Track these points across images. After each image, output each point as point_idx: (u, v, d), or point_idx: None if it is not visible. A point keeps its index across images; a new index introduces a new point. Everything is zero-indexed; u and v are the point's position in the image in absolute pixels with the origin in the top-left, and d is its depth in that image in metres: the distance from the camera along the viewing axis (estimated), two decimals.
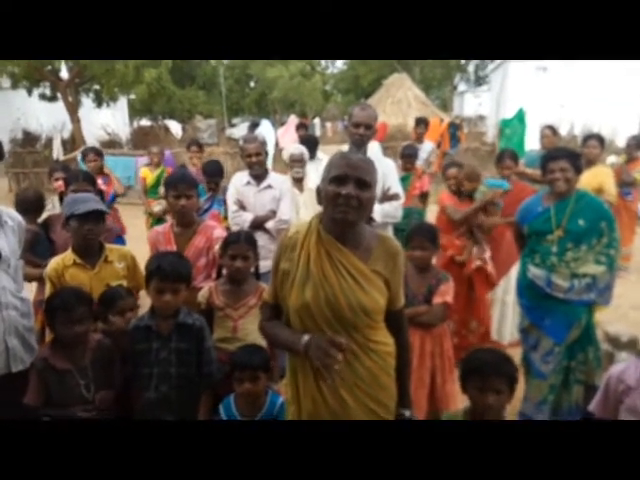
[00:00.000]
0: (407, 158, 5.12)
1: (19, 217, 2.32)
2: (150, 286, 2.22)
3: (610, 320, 4.45)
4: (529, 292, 3.04)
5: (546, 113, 10.06)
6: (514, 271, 3.98)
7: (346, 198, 1.56)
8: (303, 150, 4.33)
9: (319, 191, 1.69)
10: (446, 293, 2.68)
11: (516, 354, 3.17)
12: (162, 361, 2.20)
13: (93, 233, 2.48)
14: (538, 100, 10.46)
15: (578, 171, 2.90)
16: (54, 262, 2.55)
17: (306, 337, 1.59)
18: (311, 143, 4.89)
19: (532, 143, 8.69)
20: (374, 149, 5.55)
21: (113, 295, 2.38)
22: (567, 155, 2.91)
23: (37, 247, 3.41)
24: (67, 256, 2.55)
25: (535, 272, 2.96)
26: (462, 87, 26.53)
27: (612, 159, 8.72)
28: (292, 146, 4.68)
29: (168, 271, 2.18)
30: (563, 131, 11.03)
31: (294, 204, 3.83)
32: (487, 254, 3.78)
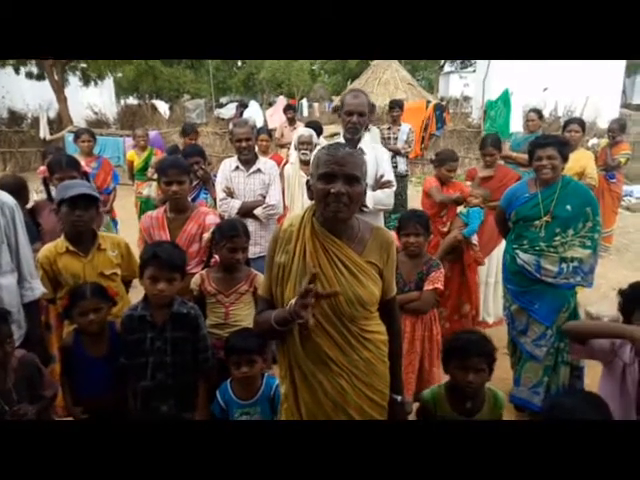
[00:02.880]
0: None
1: (4, 197, 2.21)
2: (145, 274, 2.20)
3: (592, 301, 4.63)
4: (517, 277, 3.10)
5: (530, 95, 10.12)
6: (494, 254, 4.15)
7: (336, 196, 1.56)
8: (312, 132, 4.37)
9: (309, 186, 1.69)
10: (437, 280, 2.72)
11: (500, 332, 3.31)
12: (157, 350, 2.21)
13: (82, 219, 2.44)
14: (523, 82, 10.51)
15: (565, 158, 2.96)
16: (46, 249, 2.52)
17: (293, 300, 1.56)
18: (315, 129, 4.91)
19: (517, 125, 8.80)
20: (374, 134, 5.60)
21: (76, 294, 2.29)
22: (554, 142, 2.96)
23: None
24: (59, 243, 2.52)
25: (524, 257, 3.02)
26: (448, 68, 26.37)
27: (594, 141, 8.86)
28: (301, 128, 4.75)
29: (163, 260, 2.17)
30: (546, 113, 11.13)
31: (301, 186, 3.85)
32: (476, 238, 3.88)
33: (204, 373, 2.34)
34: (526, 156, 3.31)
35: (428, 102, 12.10)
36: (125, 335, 2.26)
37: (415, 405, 2.78)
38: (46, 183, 3.49)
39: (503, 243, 3.85)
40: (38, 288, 2.32)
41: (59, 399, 2.42)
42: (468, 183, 4.48)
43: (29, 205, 3.49)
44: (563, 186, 2.98)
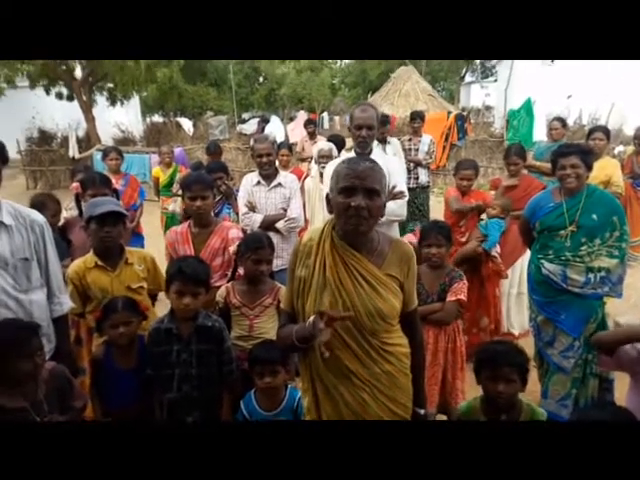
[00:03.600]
0: None
1: (34, 215, 2.26)
2: (171, 289, 2.26)
3: (621, 311, 4.51)
4: (543, 288, 3.06)
5: (553, 103, 10.01)
6: (518, 264, 4.10)
7: (356, 209, 1.56)
8: (332, 146, 4.44)
9: (328, 200, 1.70)
10: (460, 291, 2.69)
11: (526, 344, 3.25)
12: (183, 362, 2.26)
13: (111, 235, 2.52)
14: (545, 90, 10.43)
15: (589, 167, 2.92)
16: (75, 265, 2.61)
17: (312, 317, 1.59)
18: (338, 142, 4.97)
19: (540, 134, 8.70)
20: (394, 145, 5.61)
21: (108, 307, 2.36)
22: (578, 151, 2.92)
23: None
24: (88, 258, 2.60)
25: (550, 268, 2.98)
26: (469, 78, 26.23)
27: (620, 149, 8.69)
28: (321, 142, 4.82)
29: (189, 274, 2.23)
30: (570, 121, 10.97)
31: (321, 200, 3.88)
32: (497, 249, 3.83)
33: (228, 385, 2.37)
34: (550, 165, 3.27)
35: (449, 113, 12.08)
36: (152, 347, 2.32)
37: (439, 417, 2.77)
38: (78, 200, 3.59)
39: (527, 254, 3.81)
40: (67, 303, 2.38)
41: (88, 410, 2.49)
42: (492, 192, 4.45)
43: (60, 222, 3.61)
44: (588, 195, 2.94)
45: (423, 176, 6.16)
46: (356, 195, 1.58)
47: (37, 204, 3.42)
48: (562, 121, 5.66)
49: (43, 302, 2.25)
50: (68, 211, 3.95)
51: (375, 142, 5.65)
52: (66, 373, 2.13)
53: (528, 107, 10.21)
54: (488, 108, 13.79)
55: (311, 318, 1.58)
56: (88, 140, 12.84)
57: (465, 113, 12.47)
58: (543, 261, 3.05)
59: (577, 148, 3.02)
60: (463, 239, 3.92)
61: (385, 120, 5.90)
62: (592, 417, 1.57)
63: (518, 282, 4.14)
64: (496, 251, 3.82)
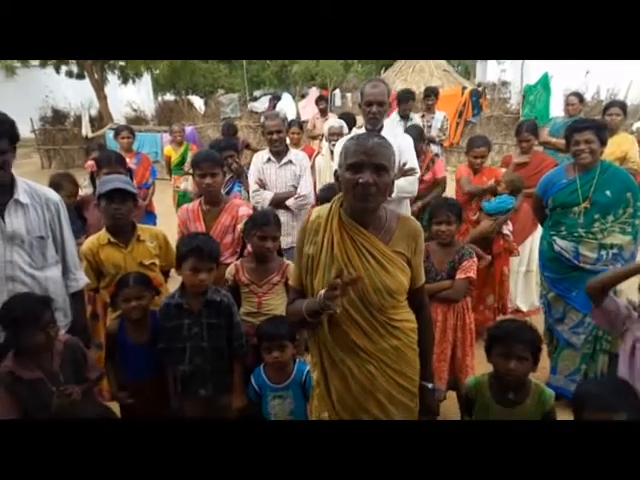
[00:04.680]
0: None
1: (49, 194, 2.30)
2: (185, 265, 2.29)
3: (633, 288, 4.47)
4: (554, 264, 3.05)
5: (571, 79, 9.75)
6: (528, 242, 4.07)
7: (364, 186, 1.55)
8: (342, 123, 4.39)
9: (337, 176, 1.70)
10: (470, 269, 2.69)
11: (535, 321, 3.26)
12: (194, 336, 2.31)
13: (120, 212, 2.56)
14: (563, 65, 10.13)
15: (603, 142, 2.88)
16: (89, 241, 2.66)
17: (322, 291, 1.60)
18: (349, 120, 4.91)
19: (557, 110, 8.52)
20: (415, 122, 5.48)
21: (121, 282, 2.42)
22: (592, 126, 2.88)
23: None
24: (101, 235, 2.65)
25: (562, 244, 2.97)
26: None
27: (638, 125, 8.48)
28: (332, 119, 4.78)
29: (205, 251, 2.28)
30: (588, 97, 10.70)
31: (332, 178, 3.85)
32: (510, 227, 3.81)
33: (239, 358, 2.42)
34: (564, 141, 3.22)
35: (464, 88, 11.85)
36: (163, 322, 2.37)
37: (449, 393, 2.80)
38: (93, 178, 3.64)
39: (537, 231, 3.78)
40: (82, 279, 2.44)
41: (104, 384, 2.56)
42: (503, 170, 4.39)
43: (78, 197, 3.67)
44: (602, 171, 2.90)
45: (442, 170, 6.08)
46: (364, 171, 1.57)
47: (54, 184, 3.50)
48: (579, 96, 5.53)
49: (58, 278, 2.31)
50: (83, 189, 3.99)
51: (397, 118, 5.63)
52: (80, 345, 2.20)
53: (545, 82, 9.98)
54: (504, 83, 13.48)
55: (321, 292, 1.60)
56: (100, 119, 12.86)
57: (480, 89, 12.22)
58: (555, 238, 3.04)
59: (591, 123, 2.98)
60: (475, 217, 3.90)
61: (409, 96, 5.81)
62: (590, 390, 1.59)
63: (527, 260, 4.11)
64: (508, 229, 3.80)
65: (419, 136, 4.27)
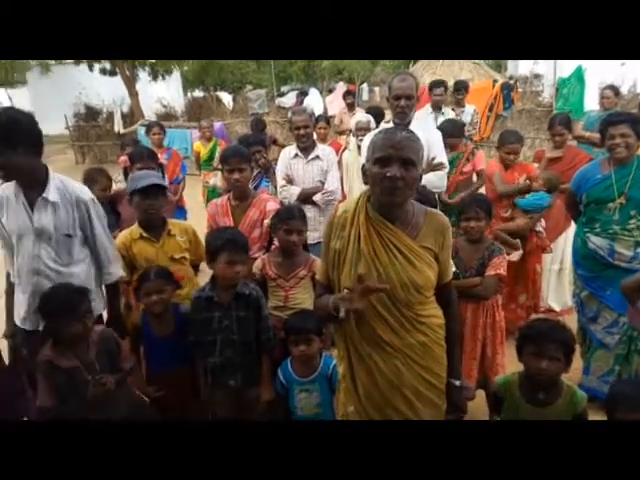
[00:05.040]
0: (449, 138, 3.82)
1: (80, 193, 2.34)
2: (220, 258, 2.31)
3: None
4: (588, 262, 2.99)
5: (606, 71, 9.45)
6: (560, 239, 3.97)
7: (392, 180, 1.55)
8: (370, 118, 4.36)
9: (364, 170, 1.70)
10: (499, 266, 2.64)
11: (568, 321, 3.19)
12: (225, 329, 2.35)
13: (153, 207, 2.62)
14: None
15: (639, 136, 2.80)
16: (122, 236, 2.73)
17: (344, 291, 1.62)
18: (377, 114, 4.89)
19: (592, 103, 8.28)
20: (447, 115, 5.42)
21: (142, 276, 2.46)
22: (628, 120, 2.80)
23: None
24: (134, 230, 2.72)
25: (597, 241, 2.91)
26: None
27: None
28: (359, 114, 4.76)
29: (240, 244, 2.34)
30: (624, 89, 10.34)
31: (359, 173, 3.83)
32: (542, 224, 3.73)
33: (267, 351, 2.45)
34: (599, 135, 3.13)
35: (495, 81, 11.62)
36: (194, 315, 2.41)
37: (478, 392, 2.76)
38: (126, 173, 3.71)
39: (570, 229, 3.69)
40: (115, 273, 2.51)
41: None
42: (536, 165, 4.29)
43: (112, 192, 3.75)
44: (638, 166, 2.81)
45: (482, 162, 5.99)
46: (392, 165, 1.56)
47: (88, 178, 3.59)
48: (614, 89, 5.37)
49: (84, 274, 2.39)
50: (117, 184, 4.08)
51: (429, 110, 5.55)
52: (114, 336, 2.27)
53: (579, 75, 9.69)
54: (537, 76, 13.17)
55: (345, 291, 1.60)
56: (132, 115, 13.13)
57: (512, 82, 11.96)
58: (589, 235, 2.96)
59: (627, 117, 2.89)
60: (506, 214, 3.82)
61: (462, 86, 5.83)
62: (624, 390, 1.55)
63: (560, 258, 4.02)
64: (541, 225, 3.71)
65: (460, 130, 4.32)
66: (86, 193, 2.38)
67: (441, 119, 5.20)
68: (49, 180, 2.26)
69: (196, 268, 2.97)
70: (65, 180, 2.35)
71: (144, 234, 2.68)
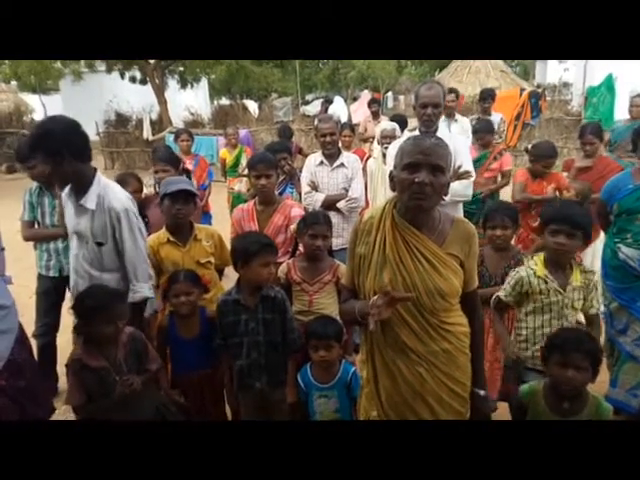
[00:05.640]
0: (477, 134, 4.51)
1: (114, 202, 2.33)
2: (256, 261, 2.32)
3: None
4: (619, 273, 2.93)
5: (638, 80, 9.26)
6: (589, 250, 3.89)
7: (420, 185, 1.55)
8: (395, 126, 4.38)
9: (392, 177, 1.70)
10: None
11: None
12: (251, 331, 2.38)
13: (182, 212, 2.68)
14: (629, 65, 9.62)
15: None
16: (150, 240, 2.76)
17: (375, 297, 1.61)
18: (401, 122, 4.91)
19: (622, 112, 8.11)
20: (464, 124, 5.44)
21: (172, 278, 2.52)
22: None
23: None
24: (161, 234, 2.77)
25: (628, 252, 2.85)
26: None
27: None
28: (384, 122, 4.79)
29: (274, 247, 2.41)
30: None
31: (384, 180, 3.85)
32: None
33: (292, 353, 2.47)
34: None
35: (522, 90, 11.50)
36: (221, 318, 2.44)
37: (500, 404, 2.71)
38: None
39: (599, 239, 3.62)
40: (139, 292, 2.43)
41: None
42: (565, 174, 4.23)
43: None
44: None
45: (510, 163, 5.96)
46: (420, 171, 1.57)
47: (120, 181, 3.68)
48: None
49: (114, 283, 2.39)
50: (148, 187, 4.16)
51: (442, 117, 5.55)
52: (143, 337, 2.32)
53: (609, 84, 9.53)
54: (566, 85, 13.01)
55: (374, 298, 1.61)
56: (160, 122, 13.42)
57: (540, 90, 11.82)
58: (620, 245, 2.90)
59: None
60: (535, 224, 3.77)
61: (489, 95, 5.84)
62: None
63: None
64: None
65: (492, 128, 4.64)
66: (121, 202, 2.36)
67: (454, 126, 5.25)
68: (92, 186, 2.33)
69: (221, 272, 3.01)
70: (108, 187, 2.39)
71: (171, 238, 2.73)
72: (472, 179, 3.20)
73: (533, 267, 2.34)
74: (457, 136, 3.42)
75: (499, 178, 4.54)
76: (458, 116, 5.69)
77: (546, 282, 2.30)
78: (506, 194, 4.43)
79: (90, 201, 2.32)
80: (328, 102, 12.62)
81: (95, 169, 2.40)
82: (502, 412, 2.70)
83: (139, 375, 2.20)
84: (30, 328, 3.12)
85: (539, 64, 24.54)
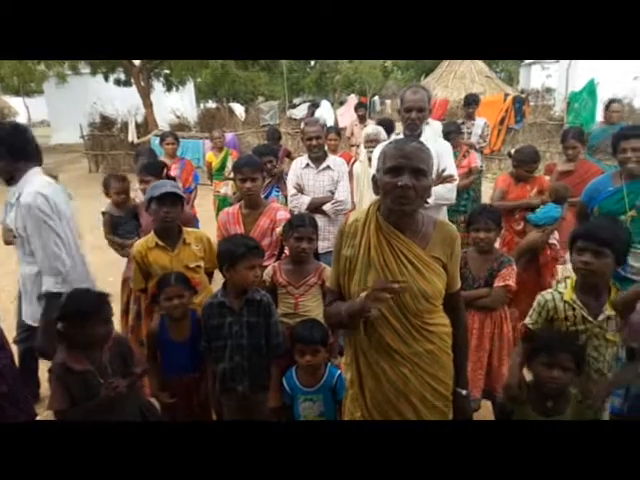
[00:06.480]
0: (446, 136, 4.74)
1: (26, 196, 2.36)
2: (242, 264, 2.33)
3: None
4: None
5: (619, 85, 9.44)
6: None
7: (403, 189, 1.57)
8: (378, 130, 4.40)
9: (375, 180, 1.72)
10: (508, 277, 2.64)
11: None
12: (235, 334, 2.37)
13: (170, 215, 2.66)
14: (610, 71, 9.81)
15: None
16: (138, 244, 2.77)
17: (363, 294, 1.61)
18: (387, 126, 4.95)
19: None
20: (435, 128, 5.55)
21: (163, 281, 2.51)
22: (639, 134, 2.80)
23: (118, 229, 3.78)
24: (149, 238, 2.75)
25: None
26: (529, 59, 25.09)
27: None
28: (369, 126, 4.81)
29: (260, 249, 2.41)
30: (637, 104, 10.34)
31: (370, 184, 3.86)
32: (556, 236, 3.70)
33: (276, 357, 2.47)
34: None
35: (506, 95, 11.66)
36: (206, 321, 2.44)
37: (483, 402, 2.75)
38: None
39: None
40: (44, 285, 2.45)
41: (146, 381, 2.65)
42: (547, 178, 4.29)
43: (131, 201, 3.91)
44: None
45: (476, 160, 6.02)
46: (403, 174, 1.59)
47: (105, 184, 3.82)
48: (620, 102, 5.44)
49: (26, 276, 2.57)
50: (135, 191, 4.14)
51: None
52: (127, 341, 2.32)
53: (591, 89, 9.71)
54: (549, 90, 13.19)
55: (362, 295, 1.61)
56: (146, 125, 13.31)
57: (523, 95, 11.98)
58: None
59: (639, 130, 2.89)
60: (518, 227, 3.82)
61: (473, 100, 6.11)
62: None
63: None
64: (555, 238, 3.70)
65: (459, 129, 5.22)
66: (29, 198, 2.37)
67: (427, 128, 5.34)
68: (19, 182, 2.44)
69: (210, 276, 3.00)
70: (28, 183, 2.44)
71: (160, 243, 2.72)
72: (456, 183, 3.23)
73: (561, 290, 2.13)
74: (440, 140, 3.45)
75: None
76: (430, 120, 5.76)
77: (574, 308, 2.07)
78: (489, 198, 4.48)
79: (11, 196, 2.46)
80: (315, 106, 12.64)
81: (36, 167, 2.50)
82: (485, 411, 2.74)
83: (124, 378, 2.19)
84: (11, 334, 3.07)
85: (523, 70, 24.89)
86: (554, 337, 1.97)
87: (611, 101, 5.46)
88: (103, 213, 3.87)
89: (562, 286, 2.15)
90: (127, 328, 3.28)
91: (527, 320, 2.24)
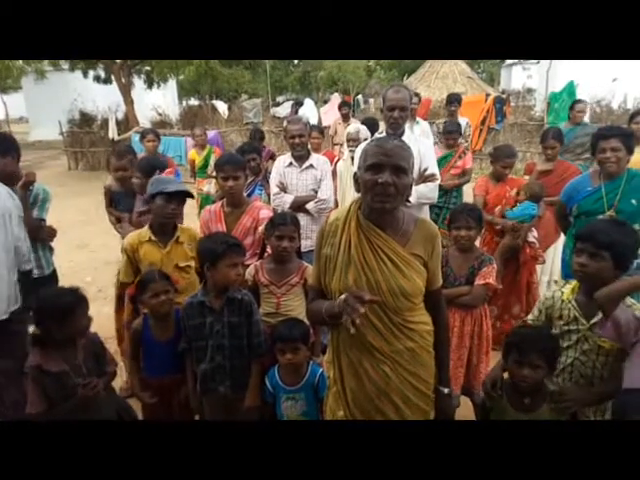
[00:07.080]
0: (449, 135, 4.85)
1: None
2: (223, 262, 2.30)
3: None
4: None
5: (597, 86, 9.62)
6: (550, 251, 4.02)
7: (383, 186, 1.58)
8: (359, 129, 4.40)
9: (356, 178, 1.72)
10: (488, 275, 2.66)
11: None
12: (216, 334, 2.35)
13: (175, 213, 2.65)
14: (589, 73, 10.00)
15: (630, 151, 2.85)
16: (131, 237, 2.74)
17: (342, 296, 1.59)
18: (371, 125, 4.96)
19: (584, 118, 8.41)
20: (424, 127, 5.59)
21: (146, 279, 2.47)
22: (619, 134, 2.86)
23: (118, 204, 3.77)
24: (143, 232, 2.71)
25: None
26: (510, 60, 25.42)
27: None
28: (351, 125, 4.81)
29: (241, 247, 2.39)
30: (615, 105, 10.55)
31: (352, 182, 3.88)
32: (535, 234, 3.76)
33: (257, 356, 2.45)
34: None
35: (487, 95, 11.79)
36: (186, 321, 2.41)
37: (462, 399, 2.78)
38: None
39: (560, 240, 3.73)
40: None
41: (128, 382, 2.61)
42: (527, 177, 4.35)
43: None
44: (628, 180, 2.88)
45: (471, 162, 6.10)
46: (383, 172, 1.60)
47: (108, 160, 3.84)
48: (585, 103, 5.75)
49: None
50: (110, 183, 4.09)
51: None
52: (100, 339, 2.28)
53: (571, 90, 9.88)
54: (529, 91, 13.38)
55: (341, 297, 1.61)
56: (127, 122, 13.13)
57: (504, 96, 12.14)
58: None
59: (618, 131, 2.95)
60: (498, 227, 3.86)
61: (455, 99, 6.12)
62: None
63: (550, 269, 4.06)
64: (533, 236, 3.75)
65: (459, 129, 5.04)
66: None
67: (416, 128, 5.41)
68: None
69: (201, 276, 2.96)
70: None
71: (153, 238, 2.69)
72: (438, 182, 3.25)
73: (563, 289, 2.12)
74: (423, 139, 3.47)
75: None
76: (419, 119, 5.81)
77: (569, 308, 2.07)
78: (470, 199, 4.53)
79: None
80: (298, 104, 12.62)
81: None
82: (464, 409, 2.77)
83: (99, 377, 2.16)
84: None
85: (504, 70, 25.19)
86: (525, 335, 1.99)
87: (575, 101, 5.59)
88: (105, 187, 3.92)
89: (568, 286, 2.14)
90: (121, 324, 3.24)
91: (529, 316, 2.26)
